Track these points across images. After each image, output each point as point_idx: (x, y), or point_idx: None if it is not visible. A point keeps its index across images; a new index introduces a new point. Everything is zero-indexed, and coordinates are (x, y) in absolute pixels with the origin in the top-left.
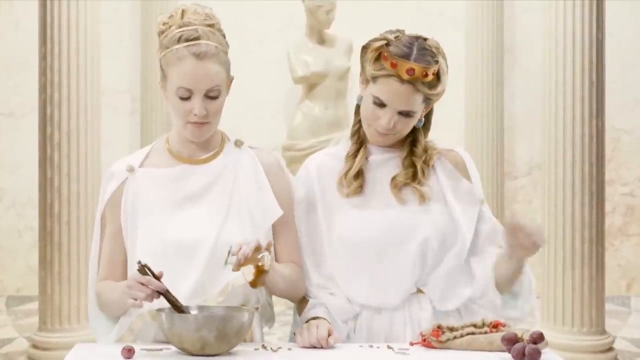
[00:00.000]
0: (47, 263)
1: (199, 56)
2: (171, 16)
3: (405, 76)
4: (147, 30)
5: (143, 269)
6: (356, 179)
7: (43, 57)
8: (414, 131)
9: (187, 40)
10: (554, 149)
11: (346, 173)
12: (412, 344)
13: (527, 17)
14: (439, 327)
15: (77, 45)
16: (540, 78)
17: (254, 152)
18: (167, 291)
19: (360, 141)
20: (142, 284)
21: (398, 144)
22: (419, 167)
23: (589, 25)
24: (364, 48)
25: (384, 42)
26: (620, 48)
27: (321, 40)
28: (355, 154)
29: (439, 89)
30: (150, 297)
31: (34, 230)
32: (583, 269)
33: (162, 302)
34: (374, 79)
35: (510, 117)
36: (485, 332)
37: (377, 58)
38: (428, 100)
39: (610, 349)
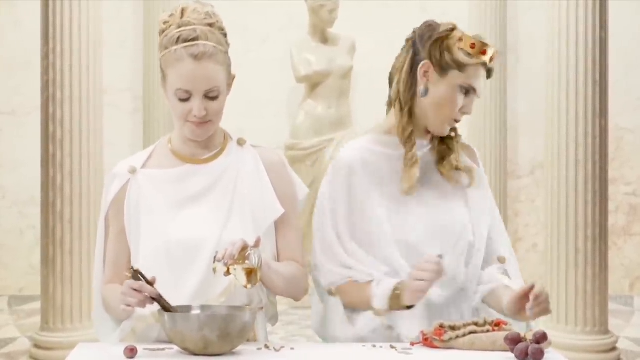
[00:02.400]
0: (49, 262)
1: (197, 57)
2: (171, 15)
3: (490, 62)
4: (150, 29)
5: (136, 275)
6: (414, 174)
7: (45, 56)
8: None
9: (185, 40)
10: (557, 148)
11: (409, 182)
12: (413, 344)
13: (530, 16)
14: (441, 326)
15: (80, 44)
16: (543, 77)
17: (257, 151)
18: (160, 296)
19: (414, 145)
20: (135, 289)
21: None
22: (456, 152)
23: (592, 25)
24: (440, 39)
25: (460, 32)
26: (623, 47)
27: (324, 39)
28: (414, 161)
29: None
30: (143, 303)
31: (36, 229)
32: (586, 268)
33: (157, 307)
34: (463, 66)
35: (514, 116)
36: (487, 331)
37: (461, 47)
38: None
39: (614, 348)
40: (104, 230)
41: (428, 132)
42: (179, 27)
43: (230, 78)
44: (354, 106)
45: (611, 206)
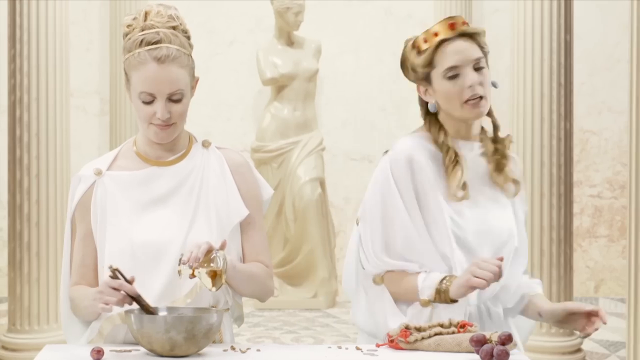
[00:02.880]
0: (16, 264)
1: (160, 60)
2: (135, 18)
3: (452, 31)
4: (116, 32)
5: (115, 273)
6: (465, 187)
7: (12, 59)
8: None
9: (148, 43)
10: (522, 151)
11: (458, 182)
12: (378, 345)
13: (495, 18)
14: (407, 327)
15: (47, 47)
16: (508, 80)
17: (222, 153)
18: (139, 295)
19: (451, 147)
20: (114, 288)
21: (475, 137)
22: (499, 155)
23: (557, 27)
24: (403, 62)
25: (410, 40)
26: (588, 50)
27: (290, 42)
28: (455, 161)
29: (485, 40)
30: (121, 302)
31: (3, 232)
32: (551, 270)
33: (134, 306)
34: (430, 62)
35: None
36: (453, 332)
37: (418, 51)
38: (483, 47)
39: (579, 350)
40: (70, 233)
41: (469, 133)
42: (142, 30)
43: (194, 80)
44: (320, 109)
45: (576, 208)
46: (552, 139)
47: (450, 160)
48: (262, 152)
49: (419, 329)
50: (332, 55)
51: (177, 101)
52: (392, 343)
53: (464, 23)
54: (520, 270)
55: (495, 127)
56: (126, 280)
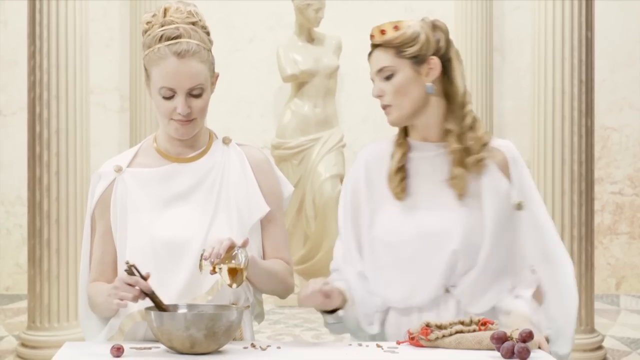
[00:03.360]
0: (36, 261)
1: (180, 55)
2: (154, 15)
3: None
4: (136, 29)
5: (131, 269)
6: (399, 180)
7: (32, 56)
8: (450, 120)
9: (168, 39)
10: (543, 148)
11: (390, 173)
12: (399, 342)
13: (516, 16)
14: (428, 325)
15: (66, 44)
16: (529, 77)
17: (242, 150)
18: (153, 292)
19: (403, 143)
20: (129, 284)
21: (439, 138)
22: (467, 162)
23: (578, 24)
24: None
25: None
26: (609, 47)
27: (310, 38)
28: (396, 151)
29: (411, 44)
30: (136, 298)
31: (23, 229)
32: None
33: (148, 302)
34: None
35: (500, 116)
36: (474, 330)
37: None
38: (402, 55)
39: (600, 347)
40: (90, 229)
41: (433, 134)
42: (162, 26)
43: (214, 76)
44: (340, 105)
45: (597, 205)
46: (573, 136)
47: (396, 164)
48: (282, 149)
49: (440, 327)
50: (353, 51)
51: (198, 96)
52: (413, 341)
53: (382, 32)
54: (472, 272)
55: (470, 128)
56: (142, 277)
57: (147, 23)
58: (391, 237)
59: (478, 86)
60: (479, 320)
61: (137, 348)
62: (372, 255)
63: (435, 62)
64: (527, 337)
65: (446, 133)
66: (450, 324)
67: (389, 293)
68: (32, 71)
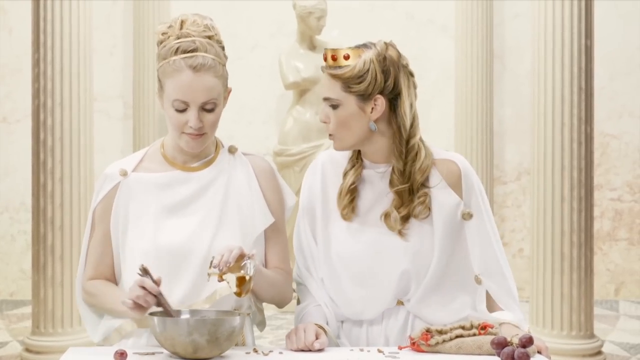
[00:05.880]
0: (40, 267)
1: (195, 69)
2: (170, 26)
3: (326, 62)
4: (140, 37)
5: (144, 273)
6: (347, 199)
7: (36, 64)
8: (394, 154)
9: (184, 52)
10: (543, 155)
11: (340, 191)
12: (401, 348)
13: (516, 23)
14: (428, 330)
15: (70, 52)
16: (529, 84)
17: (248, 159)
18: (160, 294)
19: (353, 158)
20: (141, 286)
21: (388, 160)
22: (395, 197)
23: (577, 32)
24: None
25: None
26: (608, 54)
27: (312, 46)
28: (349, 172)
29: (358, 81)
30: (143, 299)
31: (27, 235)
32: (572, 273)
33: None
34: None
35: (500, 122)
36: (474, 334)
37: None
38: (349, 90)
39: (599, 352)
40: (91, 226)
41: (382, 156)
42: (178, 38)
43: (227, 91)
44: None
45: (596, 212)
46: (573, 143)
47: (348, 167)
48: (284, 155)
49: (440, 332)
50: None
51: (210, 110)
52: (414, 346)
53: (333, 58)
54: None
55: (413, 160)
56: (153, 281)
57: (163, 34)
58: (344, 252)
59: (478, 93)
60: (479, 325)
61: (140, 353)
62: (328, 265)
63: (380, 102)
64: (527, 342)
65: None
66: (451, 329)
67: (342, 306)
68: (36, 79)
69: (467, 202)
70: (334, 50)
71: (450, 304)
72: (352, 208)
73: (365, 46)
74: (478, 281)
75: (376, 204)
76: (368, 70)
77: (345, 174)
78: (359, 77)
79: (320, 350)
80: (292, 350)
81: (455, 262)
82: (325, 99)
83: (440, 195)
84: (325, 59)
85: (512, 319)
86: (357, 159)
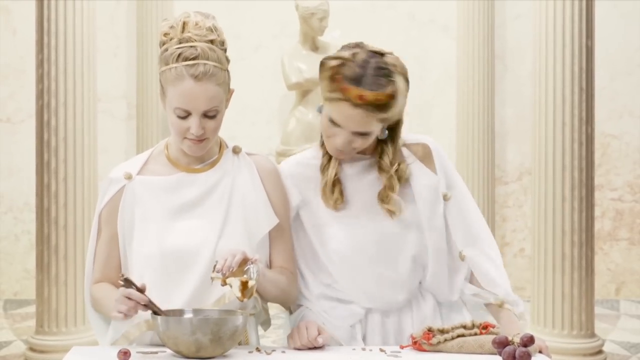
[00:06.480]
0: (44, 267)
1: (197, 77)
2: (172, 27)
3: (357, 101)
4: (143, 37)
5: (127, 283)
6: (334, 191)
7: (40, 64)
8: (380, 141)
9: (186, 59)
10: (544, 155)
11: (324, 186)
12: (402, 347)
13: (517, 24)
14: (430, 329)
15: (74, 52)
16: (530, 85)
17: (252, 159)
18: (150, 302)
19: (326, 153)
20: (126, 297)
21: (368, 150)
22: (386, 181)
23: (578, 32)
24: (321, 65)
25: (339, 61)
26: (609, 54)
27: (314, 47)
28: (327, 165)
29: (394, 110)
30: (132, 310)
31: (31, 235)
32: (573, 273)
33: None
34: (329, 100)
35: (501, 123)
36: (475, 334)
37: (332, 79)
38: (384, 121)
39: (600, 352)
40: (97, 230)
41: (368, 151)
42: (180, 42)
43: (229, 93)
44: None
45: (597, 212)
46: (574, 143)
47: (324, 162)
48: (287, 156)
49: (441, 331)
50: None
51: (212, 117)
52: (416, 345)
53: (377, 100)
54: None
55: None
56: (137, 289)
57: (165, 35)
58: (346, 249)
59: (479, 93)
60: (481, 324)
61: (143, 352)
62: (337, 268)
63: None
64: (528, 341)
65: (378, 161)
66: (452, 328)
67: (364, 300)
68: (40, 79)
69: (443, 178)
70: (376, 94)
71: (457, 278)
72: (340, 198)
73: (391, 73)
74: (462, 257)
75: (362, 194)
76: (401, 105)
77: (323, 169)
78: (395, 108)
79: (322, 347)
80: (295, 348)
81: (442, 237)
82: (356, 133)
83: (418, 179)
84: (366, 100)
85: (503, 293)
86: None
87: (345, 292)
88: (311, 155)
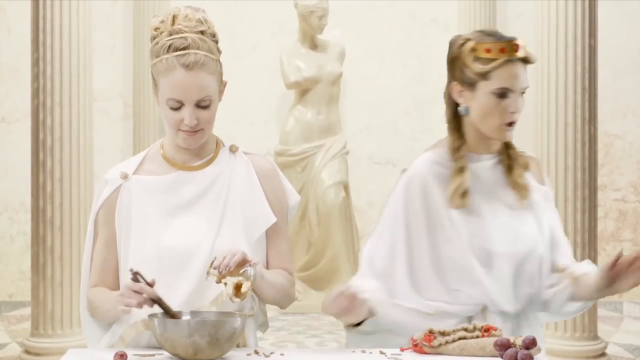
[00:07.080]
0: (39, 268)
1: (188, 67)
2: (162, 21)
3: (516, 54)
4: (139, 36)
5: (135, 277)
6: (465, 196)
7: (35, 63)
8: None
9: (176, 49)
10: (546, 155)
11: (455, 190)
12: (403, 349)
13: (519, 23)
14: (431, 332)
15: (70, 51)
16: (532, 84)
17: (249, 158)
18: (160, 298)
19: (462, 157)
20: (135, 291)
21: (493, 149)
22: (519, 168)
23: (581, 32)
24: (455, 58)
25: (464, 39)
26: (612, 54)
27: (313, 45)
28: (460, 170)
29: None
30: (142, 304)
31: (26, 235)
32: None
33: (152, 310)
34: (486, 74)
35: None
36: (477, 337)
37: (477, 56)
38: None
39: (603, 354)
40: (93, 233)
41: (490, 146)
42: (170, 34)
43: (222, 85)
44: (343, 112)
45: (600, 212)
46: (577, 143)
47: (456, 170)
48: (285, 155)
49: (443, 333)
50: (356, 58)
51: (205, 107)
52: (416, 347)
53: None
54: (546, 273)
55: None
56: (147, 283)
57: (156, 29)
58: (486, 246)
59: None
60: (482, 327)
61: (140, 355)
62: (450, 273)
63: None
64: (530, 343)
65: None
66: (454, 330)
67: (478, 290)
68: (35, 78)
69: (549, 189)
70: (519, 40)
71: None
72: (468, 202)
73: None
74: (561, 270)
75: (488, 193)
76: None
77: (455, 176)
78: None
79: (361, 304)
80: (327, 311)
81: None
82: (524, 88)
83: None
84: (517, 50)
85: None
86: (456, 152)
87: (465, 291)
88: (442, 157)
